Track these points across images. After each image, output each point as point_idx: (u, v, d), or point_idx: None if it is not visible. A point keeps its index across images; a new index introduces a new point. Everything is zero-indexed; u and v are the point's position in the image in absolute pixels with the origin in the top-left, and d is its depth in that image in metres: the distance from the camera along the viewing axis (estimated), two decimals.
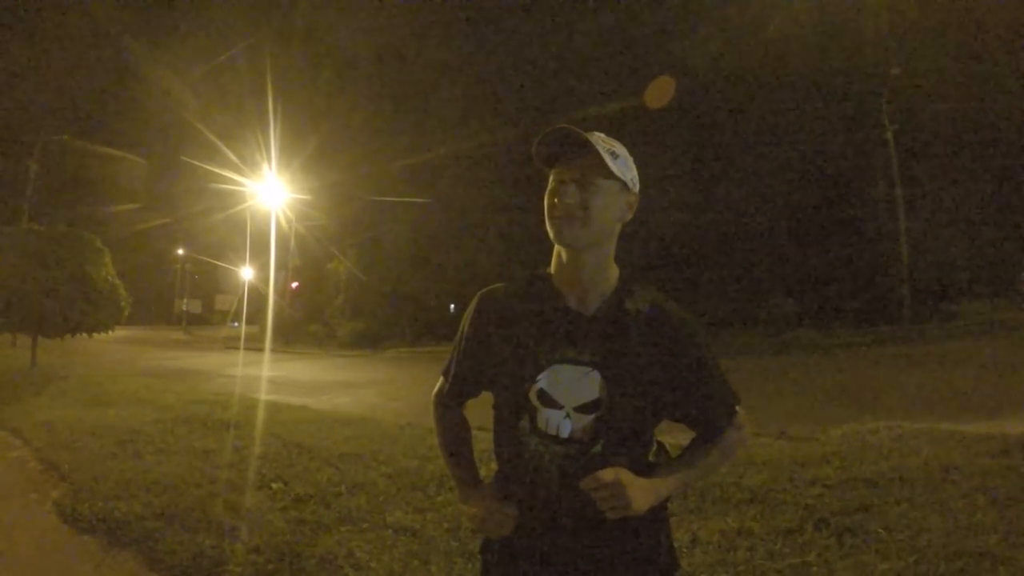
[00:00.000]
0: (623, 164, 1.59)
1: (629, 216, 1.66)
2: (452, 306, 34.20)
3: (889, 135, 24.13)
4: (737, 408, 1.68)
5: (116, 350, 27.65)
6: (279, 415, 9.43)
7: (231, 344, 34.27)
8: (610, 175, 1.55)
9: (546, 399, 1.57)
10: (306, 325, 37.66)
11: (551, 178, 1.62)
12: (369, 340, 31.57)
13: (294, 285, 40.46)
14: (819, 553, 3.72)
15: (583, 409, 1.55)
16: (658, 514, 1.63)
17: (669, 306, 1.64)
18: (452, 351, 1.86)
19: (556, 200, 1.57)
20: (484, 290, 1.80)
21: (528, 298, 1.69)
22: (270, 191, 28.46)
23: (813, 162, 26.02)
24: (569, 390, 1.56)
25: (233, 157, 28.30)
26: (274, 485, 5.69)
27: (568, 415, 1.55)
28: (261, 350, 29.10)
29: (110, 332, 18.69)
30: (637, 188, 1.65)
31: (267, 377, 17.36)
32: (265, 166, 27.54)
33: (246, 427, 8.47)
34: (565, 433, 1.55)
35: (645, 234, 23.62)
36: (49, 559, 4.42)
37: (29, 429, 8.56)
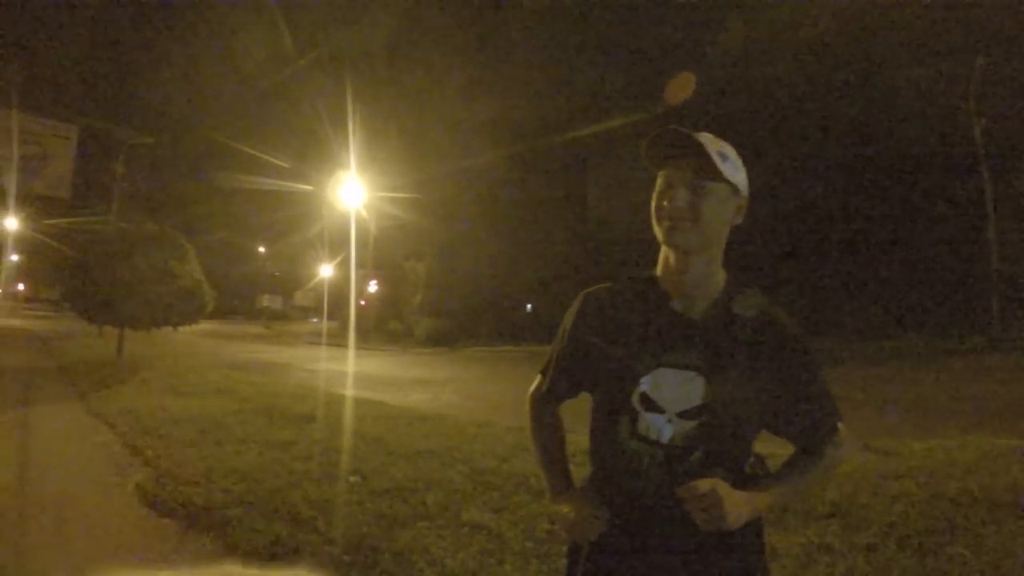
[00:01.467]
0: (732, 167, 1.57)
1: (739, 220, 1.64)
2: (528, 306, 34.29)
3: (977, 131, 23.14)
4: (839, 425, 1.64)
5: (199, 343, 28.57)
6: (358, 410, 9.60)
7: (311, 339, 35.10)
8: (720, 178, 1.53)
9: (648, 403, 1.56)
10: (385, 322, 38.26)
11: (659, 179, 1.62)
12: (446, 339, 31.90)
13: (372, 288, 41.15)
14: (900, 572, 3.62)
15: (686, 415, 1.53)
16: (755, 531, 1.61)
17: (778, 314, 1.62)
18: (552, 349, 1.83)
19: (665, 203, 1.57)
20: (588, 290, 1.78)
21: (633, 299, 1.67)
22: (349, 190, 28.94)
23: (899, 163, 25.17)
24: (672, 395, 1.54)
25: (316, 157, 29.00)
26: (352, 478, 5.82)
27: (670, 420, 1.54)
28: (340, 345, 29.71)
29: (193, 326, 19.33)
30: (747, 191, 1.63)
31: (346, 372, 17.70)
32: (346, 165, 28.03)
33: (325, 420, 8.67)
34: (666, 438, 1.54)
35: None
36: (130, 539, 4.61)
37: (115, 416, 8.95)
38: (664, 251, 1.64)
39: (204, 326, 32.39)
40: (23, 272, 61.79)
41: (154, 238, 17.41)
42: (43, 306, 57.76)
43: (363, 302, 41.14)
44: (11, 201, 32.78)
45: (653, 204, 1.60)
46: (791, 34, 26.70)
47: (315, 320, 55.99)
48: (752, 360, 1.54)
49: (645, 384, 1.56)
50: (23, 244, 45.72)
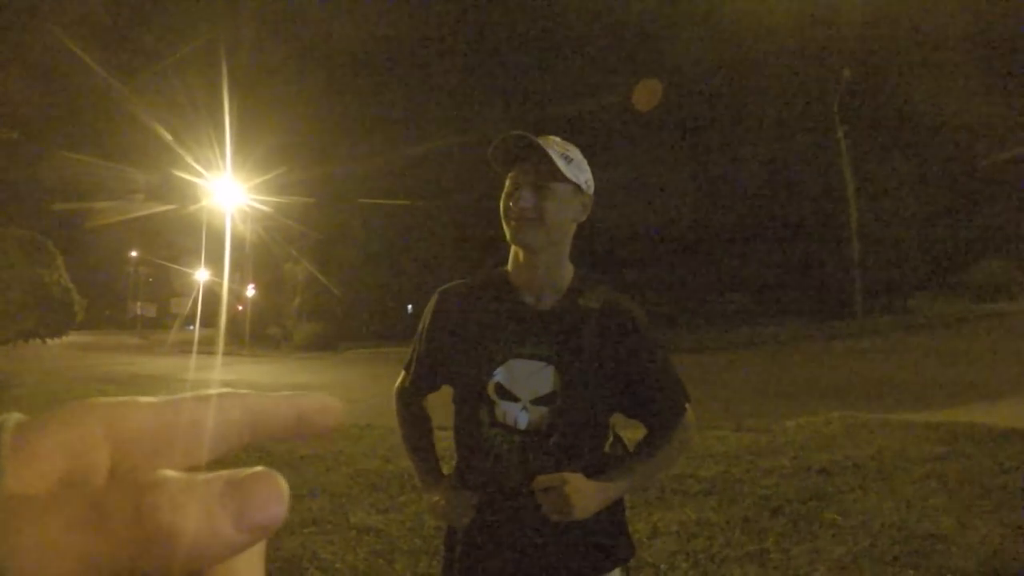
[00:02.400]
0: (576, 167, 1.63)
1: (583, 217, 1.71)
2: (410, 307, 34.08)
3: (840, 135, 24.60)
4: (687, 406, 1.72)
5: (69, 356, 27.01)
6: None
7: (186, 348, 33.75)
8: (564, 178, 1.59)
9: (503, 392, 1.62)
10: (263, 328, 37.18)
11: (507, 181, 1.67)
12: (327, 342, 31.27)
13: (250, 291, 39.96)
14: (775, 540, 3.82)
15: (539, 402, 1.59)
16: (613, 513, 1.67)
17: (621, 302, 1.69)
18: (412, 346, 1.88)
19: (512, 203, 1.62)
20: (443, 287, 1.83)
21: (486, 295, 1.73)
22: (225, 191, 27.98)
23: (767, 161, 26.49)
24: (525, 384, 1.61)
25: (188, 156, 27.92)
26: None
27: (525, 407, 1.60)
28: (215, 353, 28.72)
29: (63, 338, 18.30)
30: (591, 190, 1.69)
31: (223, 381, 17.12)
32: (220, 165, 27.12)
33: None
34: (523, 425, 1.59)
35: (600, 233, 23.80)
36: None
37: None
38: (514, 249, 1.70)
39: (75, 338, 30.68)
40: None
41: (20, 243, 16.36)
42: None
43: (240, 307, 39.91)
44: None
45: (501, 205, 1.65)
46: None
47: (191, 328, 53.91)
48: (599, 348, 1.62)
49: (499, 375, 1.62)
50: None
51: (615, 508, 1.67)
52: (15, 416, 0.25)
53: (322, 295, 34.71)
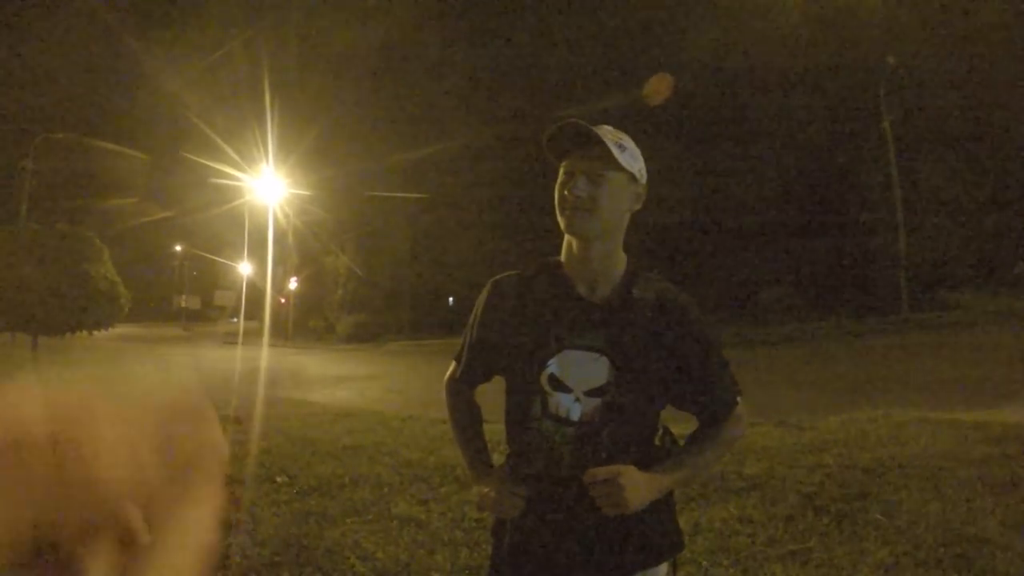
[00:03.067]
0: (630, 156, 1.62)
1: (638, 206, 1.71)
2: (451, 300, 34.18)
3: (886, 125, 24.12)
4: (738, 399, 1.71)
5: (116, 347, 27.64)
6: (282, 409, 9.48)
7: (230, 340, 34.27)
8: (618, 167, 1.58)
9: (556, 383, 1.61)
10: (306, 320, 37.65)
11: (561, 170, 1.67)
12: (369, 334, 31.58)
13: (292, 284, 40.41)
14: (819, 539, 3.78)
15: (592, 393, 1.59)
16: (664, 507, 1.67)
17: (676, 294, 1.68)
18: (464, 336, 1.89)
19: (566, 192, 1.61)
20: (496, 277, 1.84)
21: (539, 285, 1.73)
22: (268, 186, 28.29)
23: (811, 154, 26.08)
24: (579, 375, 1.60)
25: (231, 152, 28.24)
26: (278, 478, 5.73)
27: (578, 399, 1.60)
28: (259, 345, 29.12)
29: (110, 330, 18.70)
30: (645, 179, 1.69)
31: (268, 371, 17.37)
32: (263, 161, 27.41)
33: (248, 422, 8.49)
34: (575, 416, 1.59)
35: (643, 226, 23.64)
36: None
37: None
38: (567, 239, 1.69)
39: (121, 330, 31.29)
40: None
41: (67, 240, 16.75)
42: None
43: (284, 300, 40.40)
44: None
45: (555, 195, 1.65)
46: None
47: (235, 320, 54.71)
48: (652, 340, 1.61)
49: (552, 366, 1.62)
50: None
51: (665, 501, 1.68)
52: None
53: (364, 287, 35.02)
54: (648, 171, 1.69)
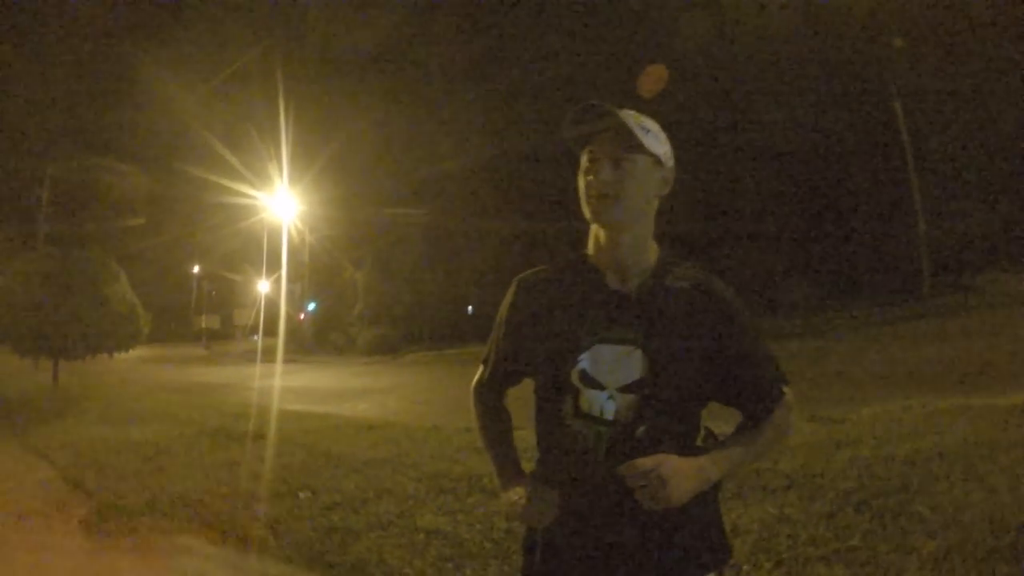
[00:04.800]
0: (655, 138, 1.55)
1: (665, 191, 1.62)
2: (470, 308, 34.17)
3: (897, 108, 23.84)
4: (785, 389, 1.61)
5: (137, 369, 27.77)
6: (302, 424, 9.40)
7: (251, 357, 34.43)
8: (643, 150, 1.51)
9: (588, 380, 1.52)
10: (326, 334, 37.72)
11: (583, 158, 1.59)
12: (389, 346, 31.59)
13: (310, 308, 40.61)
14: (862, 537, 3.62)
15: (626, 389, 1.50)
16: (709, 501, 1.57)
17: (713, 283, 1.60)
18: (490, 339, 1.82)
19: (590, 179, 1.54)
20: (521, 275, 1.76)
21: (567, 279, 1.65)
22: (283, 203, 28.35)
23: (821, 141, 25.77)
24: (612, 370, 1.51)
25: (245, 170, 28.38)
26: (301, 494, 5.64)
27: (611, 396, 1.51)
28: (283, 361, 29.21)
29: (131, 352, 18.77)
30: (672, 162, 1.61)
31: (288, 387, 17.37)
32: (277, 178, 27.46)
33: (270, 437, 8.44)
34: (609, 414, 1.50)
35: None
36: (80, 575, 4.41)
37: (53, 450, 8.54)
38: (594, 229, 1.62)
39: (142, 352, 31.45)
40: None
41: (84, 264, 16.82)
42: None
43: (302, 316, 40.53)
44: None
45: (579, 183, 1.58)
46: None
47: (255, 337, 54.98)
48: (689, 330, 1.52)
49: (584, 361, 1.53)
50: None
51: (709, 503, 1.58)
52: None
53: (383, 300, 35.11)
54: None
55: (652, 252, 1.62)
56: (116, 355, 18.54)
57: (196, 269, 61.08)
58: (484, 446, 1.83)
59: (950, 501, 3.97)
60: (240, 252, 45.00)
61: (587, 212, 1.57)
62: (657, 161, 1.55)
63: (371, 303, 36.41)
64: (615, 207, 1.52)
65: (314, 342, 36.90)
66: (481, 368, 1.86)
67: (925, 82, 24.25)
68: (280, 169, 26.95)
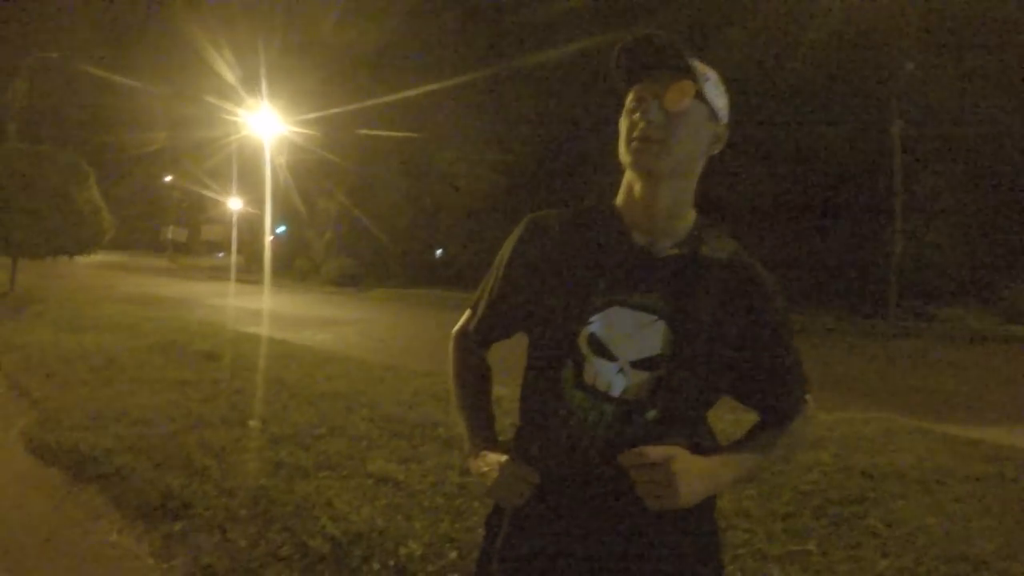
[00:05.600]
0: (715, 88, 1.35)
1: (716, 150, 1.41)
2: (438, 252, 33.78)
3: (896, 130, 23.88)
4: (808, 397, 1.45)
5: (101, 275, 27.26)
6: (260, 349, 9.19)
7: (214, 275, 33.99)
8: (701, 96, 1.31)
9: (598, 347, 1.32)
10: (291, 259, 37.16)
11: (630, 96, 1.37)
12: (355, 279, 31.08)
13: (279, 231, 40.03)
14: (818, 542, 3.59)
15: (642, 365, 1.30)
16: (707, 510, 1.40)
17: (753, 261, 1.40)
18: (485, 282, 1.58)
19: (635, 117, 1.32)
20: (534, 214, 1.52)
21: (587, 227, 1.43)
22: (262, 121, 27.47)
23: (817, 150, 25.77)
24: (628, 339, 1.31)
25: (226, 81, 27.67)
26: (251, 423, 5.53)
27: (622, 369, 1.30)
28: (246, 281, 28.83)
29: (91, 256, 18.38)
30: (726, 121, 1.41)
31: (250, 309, 17.12)
32: (258, 93, 26.60)
33: (225, 359, 8.28)
34: (617, 391, 1.30)
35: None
36: (9, 490, 4.27)
37: (2, 353, 8.40)
38: (628, 178, 1.41)
39: (106, 258, 30.92)
40: None
41: (53, 161, 16.35)
42: None
43: (270, 238, 40.01)
44: None
45: (622, 124, 1.37)
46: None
47: (221, 255, 54.29)
48: (721, 309, 1.33)
49: (596, 324, 1.33)
50: None
51: (708, 514, 1.41)
52: None
53: (354, 232, 34.56)
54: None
55: (690, 216, 1.41)
56: (78, 259, 18.08)
57: (168, 179, 59.80)
58: (456, 403, 1.60)
59: (904, 520, 3.96)
60: (216, 169, 43.97)
61: (625, 156, 1.35)
62: (713, 114, 1.35)
63: (341, 233, 35.91)
64: (659, 154, 1.30)
65: (280, 266, 36.34)
66: (468, 313, 1.62)
67: (927, 110, 24.32)
68: (260, 83, 26.13)
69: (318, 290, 28.17)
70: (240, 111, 27.82)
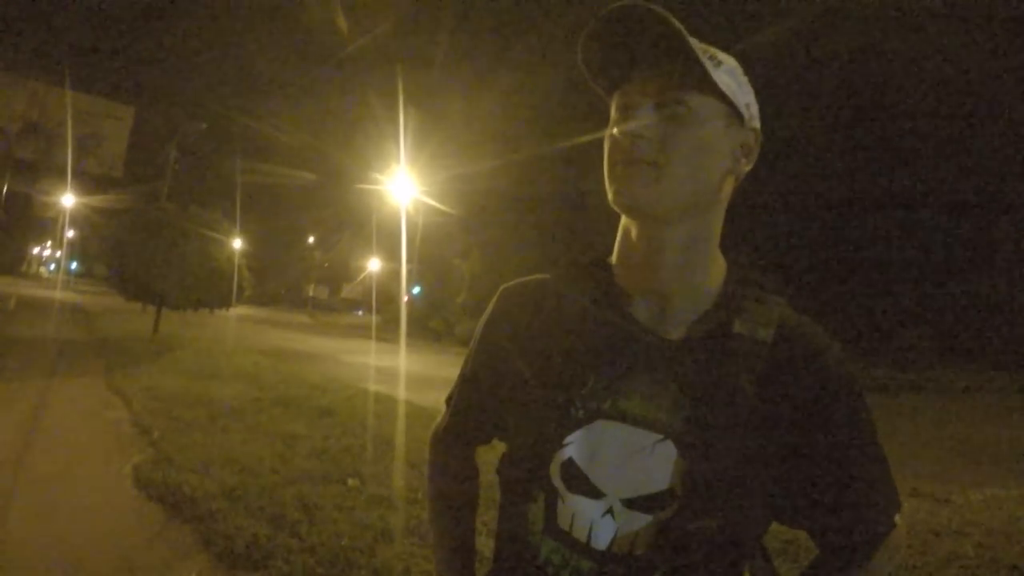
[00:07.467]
0: (732, 76, 0.93)
1: (746, 166, 0.98)
2: None
3: None
4: (897, 519, 0.98)
5: (240, 327, 28.57)
6: (379, 407, 9.23)
7: (352, 332, 35.08)
8: (711, 88, 0.89)
9: (575, 478, 0.92)
10: (426, 319, 37.97)
11: (613, 106, 0.98)
12: None
13: (415, 292, 41.23)
14: None
15: (640, 504, 0.89)
16: None
17: (812, 334, 0.96)
18: (461, 371, 1.22)
19: (615, 132, 0.94)
20: (508, 284, 1.17)
21: (571, 301, 1.02)
22: (400, 186, 28.59)
23: (967, 184, 23.93)
24: (619, 467, 0.91)
25: (366, 151, 28.97)
26: (350, 481, 5.47)
27: (610, 510, 0.90)
28: (383, 340, 29.54)
29: (238, 310, 19.38)
30: (757, 124, 0.98)
31: (378, 367, 17.42)
32: (396, 158, 27.68)
33: (340, 415, 8.35)
34: (602, 542, 0.90)
35: (758, 237, 21.87)
36: (110, 520, 4.45)
37: (133, 393, 8.80)
38: (623, 224, 1.01)
39: (249, 311, 32.50)
40: (77, 248, 63.74)
41: (198, 220, 17.43)
42: (94, 282, 58.74)
43: (406, 298, 41.12)
44: (67, 178, 33.67)
45: (605, 143, 0.96)
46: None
47: (360, 312, 56.22)
48: (764, 415, 0.89)
49: (574, 445, 0.93)
50: (78, 221, 47.50)
51: None
52: None
53: (488, 293, 35.02)
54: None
55: (715, 271, 0.98)
56: (220, 312, 19.13)
57: (311, 240, 63.19)
58: (430, 521, 1.24)
59: None
60: (356, 232, 46.16)
61: (609, 190, 0.94)
62: (734, 114, 0.93)
63: (475, 294, 36.44)
64: (655, 181, 0.89)
65: (413, 326, 37.23)
66: (444, 410, 1.26)
67: None
68: (398, 149, 27.11)
69: (451, 350, 28.53)
70: (380, 175, 29.01)
